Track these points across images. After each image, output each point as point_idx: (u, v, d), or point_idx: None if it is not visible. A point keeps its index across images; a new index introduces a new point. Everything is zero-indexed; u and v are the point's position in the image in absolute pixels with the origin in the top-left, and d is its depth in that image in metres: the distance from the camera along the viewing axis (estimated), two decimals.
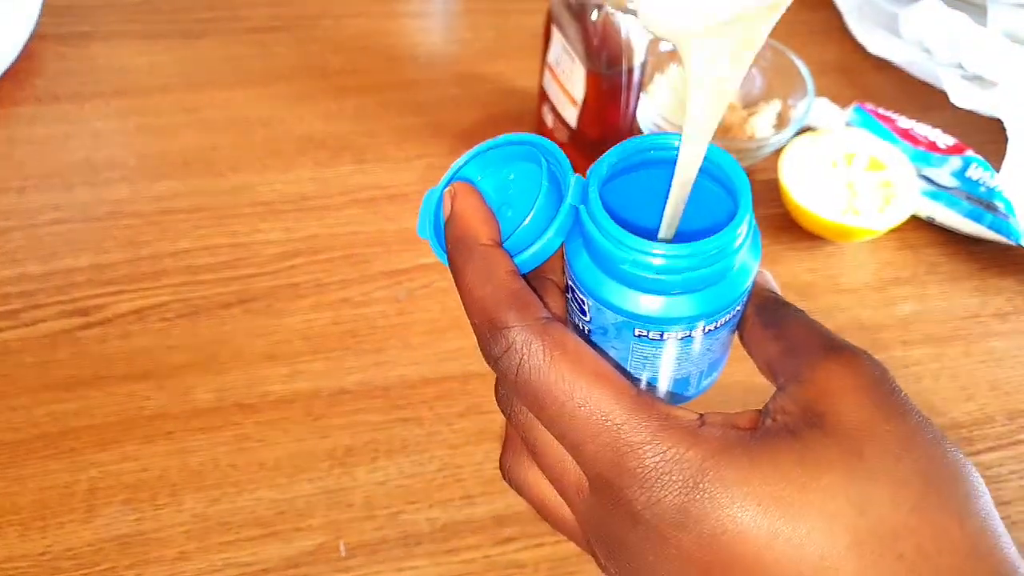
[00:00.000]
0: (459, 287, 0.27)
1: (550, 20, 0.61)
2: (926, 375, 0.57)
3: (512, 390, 0.26)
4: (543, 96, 0.66)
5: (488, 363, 0.26)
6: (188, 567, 0.46)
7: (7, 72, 0.68)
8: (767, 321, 0.30)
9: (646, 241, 0.26)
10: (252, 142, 0.66)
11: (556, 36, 0.61)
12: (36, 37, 0.71)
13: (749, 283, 0.29)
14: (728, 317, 0.29)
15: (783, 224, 0.64)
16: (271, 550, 0.47)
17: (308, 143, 0.67)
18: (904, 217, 0.61)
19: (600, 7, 0.56)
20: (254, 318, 0.56)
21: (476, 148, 0.32)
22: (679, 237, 0.30)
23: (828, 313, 0.59)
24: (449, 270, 0.29)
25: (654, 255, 0.26)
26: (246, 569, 0.46)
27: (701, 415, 0.26)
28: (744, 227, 0.27)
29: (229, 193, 0.63)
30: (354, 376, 0.54)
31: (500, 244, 0.28)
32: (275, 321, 0.56)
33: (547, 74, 0.64)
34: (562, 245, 0.29)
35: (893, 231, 0.62)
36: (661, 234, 0.29)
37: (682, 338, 0.29)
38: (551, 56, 0.62)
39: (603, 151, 0.29)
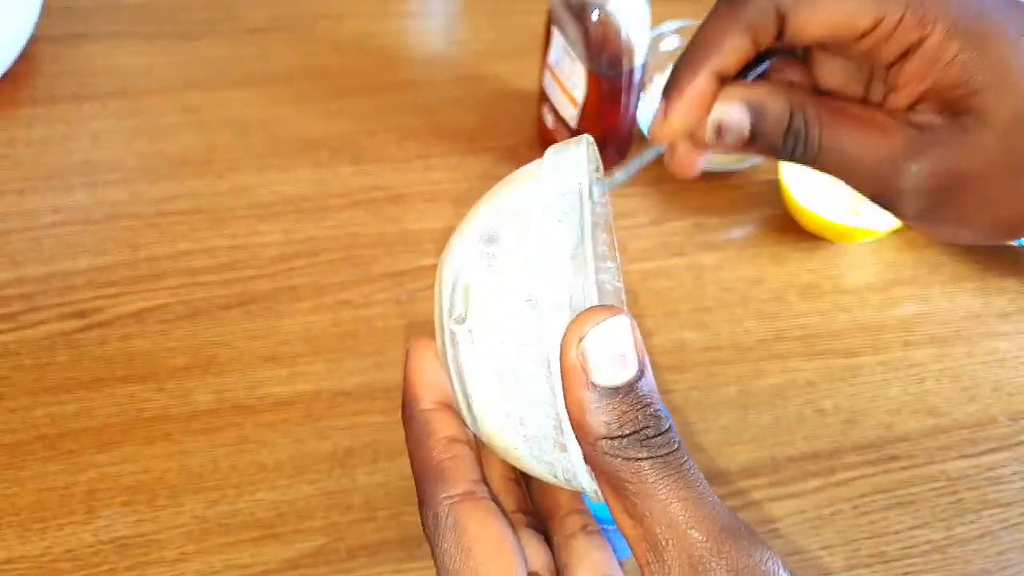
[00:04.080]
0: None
1: (550, 21, 0.61)
2: (928, 376, 0.56)
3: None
4: (543, 97, 0.66)
5: None
6: (188, 569, 0.46)
7: (6, 74, 0.68)
8: None
9: None
10: (251, 143, 0.66)
11: (556, 37, 0.61)
12: (34, 39, 0.70)
13: None
14: None
15: (784, 225, 0.64)
16: (271, 552, 0.47)
17: (307, 144, 0.67)
18: None
19: (600, 7, 0.56)
20: (254, 320, 0.56)
21: None
22: None
23: (830, 314, 0.59)
24: None
25: None
26: (246, 571, 0.46)
27: None
28: None
29: (228, 194, 0.63)
30: (354, 378, 0.54)
31: (444, 404, 0.29)
32: (275, 323, 0.56)
33: (547, 75, 0.64)
34: None
35: (895, 231, 0.62)
36: None
37: None
38: (551, 57, 0.62)
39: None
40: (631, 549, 0.24)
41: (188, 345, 0.54)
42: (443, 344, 0.28)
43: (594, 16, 0.57)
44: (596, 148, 0.30)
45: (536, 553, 0.29)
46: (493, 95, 0.72)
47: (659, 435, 0.23)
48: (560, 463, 0.27)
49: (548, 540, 0.31)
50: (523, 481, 0.33)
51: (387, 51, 0.75)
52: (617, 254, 0.36)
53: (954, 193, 0.30)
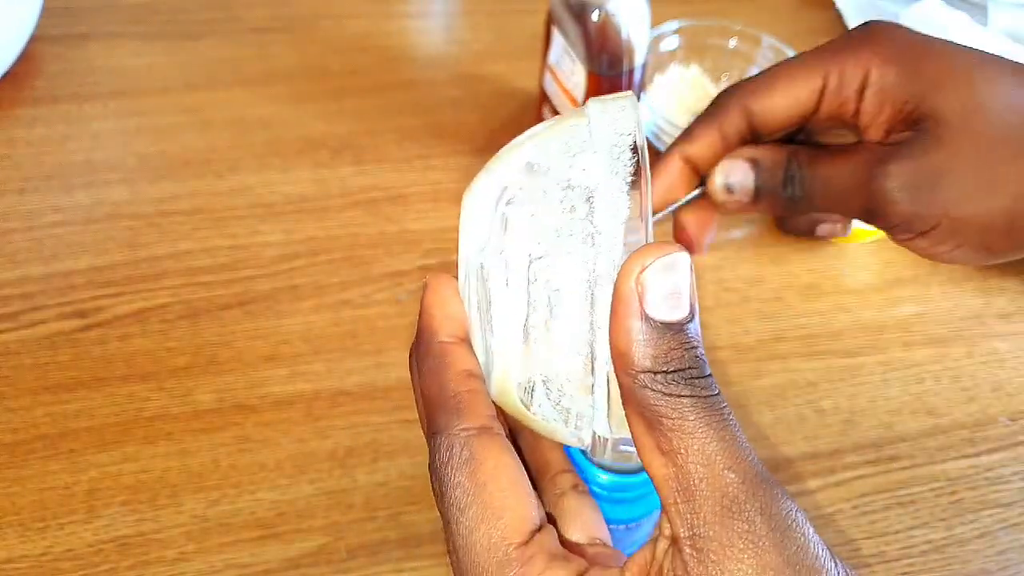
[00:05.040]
0: (414, 382, 0.28)
1: (550, 21, 0.61)
2: (928, 376, 0.56)
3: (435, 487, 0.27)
4: (543, 97, 0.66)
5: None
6: (188, 568, 0.46)
7: (6, 74, 0.68)
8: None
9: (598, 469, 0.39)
10: (251, 143, 0.66)
11: (556, 37, 0.61)
12: (35, 39, 0.71)
13: None
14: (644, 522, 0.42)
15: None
16: (271, 551, 0.47)
17: (308, 144, 0.67)
18: None
19: (600, 8, 0.56)
20: (254, 320, 0.56)
21: None
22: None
23: (830, 314, 0.59)
24: None
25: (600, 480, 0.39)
26: (246, 570, 0.46)
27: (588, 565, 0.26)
28: None
29: (228, 194, 0.63)
30: (354, 377, 0.54)
31: (462, 340, 0.28)
32: (275, 323, 0.56)
33: (547, 75, 0.64)
34: None
35: None
36: None
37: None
38: (551, 57, 0.62)
39: None
40: (657, 489, 0.24)
41: (188, 345, 0.54)
42: (467, 279, 0.28)
43: (594, 16, 0.57)
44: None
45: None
46: (493, 95, 0.72)
47: (702, 378, 0.23)
48: (576, 407, 0.26)
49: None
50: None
51: (388, 51, 0.75)
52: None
53: (934, 190, 0.32)
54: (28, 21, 0.68)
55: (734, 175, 0.36)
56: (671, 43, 0.70)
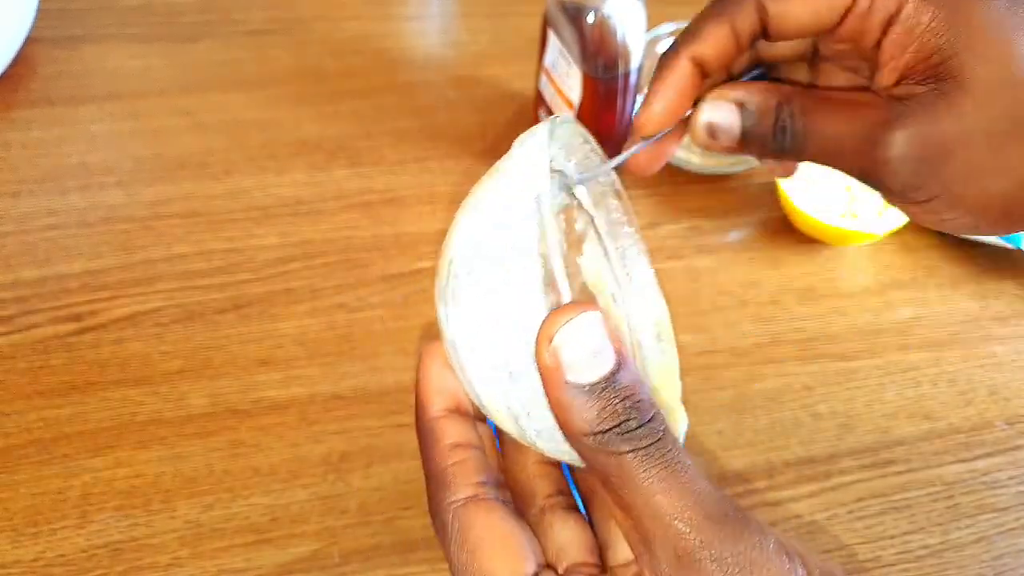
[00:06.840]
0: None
1: (546, 23, 0.61)
2: (924, 380, 0.56)
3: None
4: (539, 99, 0.66)
5: None
6: (181, 573, 0.46)
7: (2, 76, 0.68)
8: None
9: None
10: (247, 146, 0.66)
11: (552, 39, 0.61)
12: (30, 41, 0.70)
13: None
14: None
15: (781, 228, 0.64)
16: (265, 556, 0.47)
17: (303, 147, 0.67)
18: (903, 221, 0.60)
19: (596, 10, 0.56)
20: (249, 323, 0.56)
21: None
22: None
23: (827, 317, 0.59)
24: None
25: None
26: (239, 575, 0.46)
27: None
28: None
29: (224, 197, 0.63)
30: (349, 381, 0.53)
31: (453, 410, 0.29)
32: (270, 326, 0.56)
33: (543, 77, 0.64)
34: None
35: (892, 235, 0.62)
36: None
37: None
38: (547, 59, 0.62)
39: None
40: (625, 539, 0.24)
41: (182, 348, 0.54)
42: (448, 348, 0.29)
43: (589, 19, 0.56)
44: (573, 122, 0.30)
45: (572, 536, 0.29)
46: (489, 97, 0.72)
47: (641, 426, 0.23)
48: (572, 453, 0.27)
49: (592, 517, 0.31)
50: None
51: (384, 53, 0.75)
52: (634, 218, 0.35)
53: (938, 164, 0.29)
54: (24, 23, 0.68)
55: (719, 116, 0.31)
56: (667, 45, 0.70)
